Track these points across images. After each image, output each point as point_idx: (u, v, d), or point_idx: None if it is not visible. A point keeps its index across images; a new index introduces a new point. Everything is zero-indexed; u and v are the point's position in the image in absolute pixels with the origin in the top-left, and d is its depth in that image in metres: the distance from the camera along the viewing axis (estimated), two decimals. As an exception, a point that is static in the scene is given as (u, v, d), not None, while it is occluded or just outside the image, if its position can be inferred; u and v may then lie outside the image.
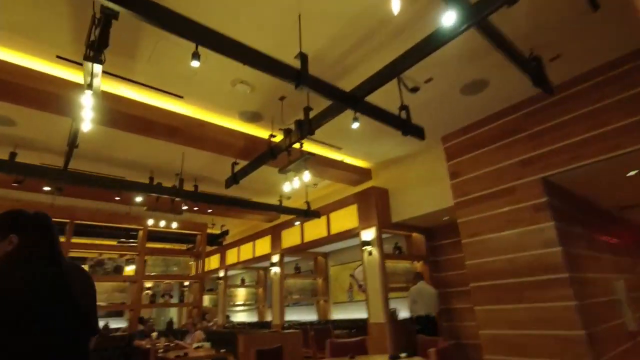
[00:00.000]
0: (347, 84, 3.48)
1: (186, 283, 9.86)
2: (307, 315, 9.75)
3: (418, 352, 3.81)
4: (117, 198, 6.43)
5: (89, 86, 2.36)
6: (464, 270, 6.00)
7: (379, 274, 6.30)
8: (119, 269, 8.67)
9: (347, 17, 3.20)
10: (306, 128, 3.83)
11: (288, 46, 3.24)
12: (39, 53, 3.45)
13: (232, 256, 10.98)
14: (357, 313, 8.34)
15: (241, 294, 12.30)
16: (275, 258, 8.95)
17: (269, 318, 10.49)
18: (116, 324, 8.78)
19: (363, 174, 6.93)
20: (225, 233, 10.55)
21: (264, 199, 6.95)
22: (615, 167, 4.31)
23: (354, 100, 3.21)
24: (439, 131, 5.54)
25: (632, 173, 4.63)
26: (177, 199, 5.61)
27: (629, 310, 5.31)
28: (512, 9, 2.54)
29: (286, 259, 9.12)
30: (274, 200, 7.09)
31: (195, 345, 5.81)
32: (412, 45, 2.94)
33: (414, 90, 4.30)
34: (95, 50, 2.16)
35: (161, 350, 5.62)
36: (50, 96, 3.64)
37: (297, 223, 7.58)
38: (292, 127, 4.17)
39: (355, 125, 3.42)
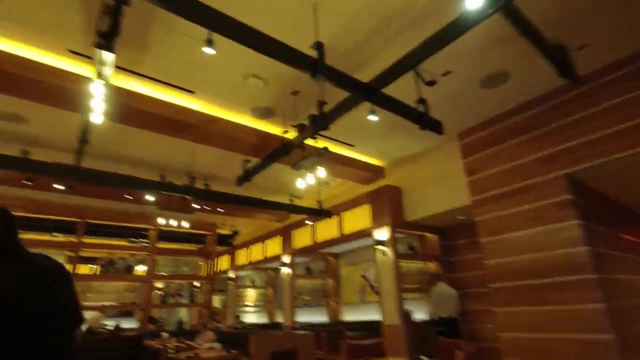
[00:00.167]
0: (363, 76, 3.35)
1: (196, 283, 9.83)
2: (318, 316, 9.62)
3: (439, 355, 3.65)
4: (128, 197, 6.40)
5: (100, 75, 2.28)
6: (481, 270, 5.83)
7: (393, 274, 6.14)
8: (130, 269, 8.67)
9: (364, 4, 3.08)
10: (320, 122, 3.70)
11: (303, 35, 3.12)
12: (51, 47, 3.40)
13: (242, 257, 10.90)
14: (369, 314, 8.18)
15: (251, 294, 12.23)
16: (286, 259, 8.84)
17: (278, 319, 10.39)
18: (127, 323, 8.75)
19: (376, 172, 6.78)
20: (236, 233, 10.49)
21: (274, 198, 6.84)
22: (645, 163, 4.10)
23: (371, 92, 3.08)
24: (455, 127, 5.37)
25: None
26: (187, 197, 5.54)
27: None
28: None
29: (297, 260, 9.01)
30: (284, 200, 6.98)
31: (205, 345, 5.73)
32: (431, 35, 2.81)
33: (431, 83, 4.15)
34: (105, 38, 2.08)
35: (172, 351, 5.55)
36: (62, 91, 3.59)
37: (309, 223, 7.46)
38: (305, 122, 4.06)
39: (372, 117, 3.29)
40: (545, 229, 4.30)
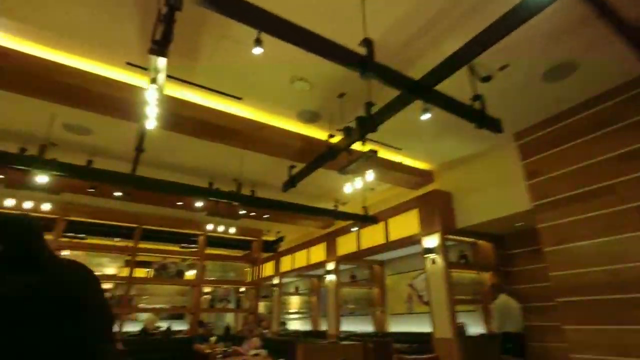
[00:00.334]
0: (413, 74, 3.17)
1: (242, 289, 10.00)
2: (363, 326, 9.35)
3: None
4: (179, 203, 6.65)
5: (154, 81, 2.35)
6: (544, 282, 5.32)
7: (444, 284, 5.79)
8: (180, 273, 9.03)
9: (415, -2, 2.93)
10: (368, 124, 3.57)
11: (350, 33, 3.01)
12: (111, 61, 3.62)
13: (286, 263, 10.95)
14: (418, 326, 7.80)
15: (295, 301, 12.22)
16: (331, 265, 8.72)
17: (323, 327, 10.25)
18: (178, 326, 9.08)
19: (424, 177, 6.49)
20: (280, 240, 10.56)
21: (319, 204, 6.78)
22: None
23: (424, 90, 2.90)
24: (512, 126, 4.98)
25: None
26: (235, 204, 5.63)
27: None
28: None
29: (341, 267, 8.85)
30: (329, 206, 6.89)
31: (252, 352, 5.73)
32: (488, 24, 2.58)
33: (486, 79, 3.88)
34: (159, 45, 2.12)
35: (220, 355, 5.62)
36: (122, 102, 3.80)
37: (355, 229, 7.30)
38: (352, 125, 3.95)
39: (425, 116, 3.10)
40: (627, 236, 3.80)
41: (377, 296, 9.25)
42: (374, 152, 3.70)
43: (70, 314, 1.17)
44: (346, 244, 8.37)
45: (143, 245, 8.36)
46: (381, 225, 7.21)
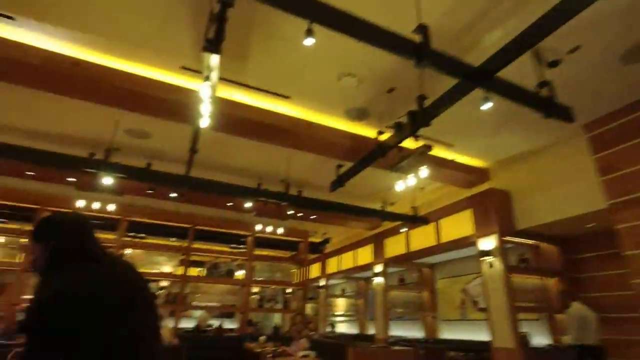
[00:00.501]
0: (471, 61, 2.96)
1: (288, 290, 10.08)
2: (412, 331, 9.03)
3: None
4: (229, 204, 6.85)
5: (207, 78, 2.40)
6: (623, 291, 4.77)
7: (503, 289, 5.40)
8: (231, 273, 9.31)
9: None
10: (421, 119, 3.40)
11: (402, 20, 2.86)
12: (166, 65, 3.79)
13: (332, 265, 10.89)
14: (472, 333, 7.37)
15: (341, 304, 12.12)
16: (378, 268, 8.52)
17: (370, 331, 10.04)
18: (229, 324, 9.36)
19: (478, 175, 6.11)
20: (326, 241, 10.53)
21: (366, 205, 6.64)
22: None
23: (485, 77, 2.69)
24: (582, 116, 4.51)
25: None
26: (283, 204, 5.68)
27: None
28: None
29: (389, 270, 8.62)
30: (376, 207, 6.73)
31: (301, 353, 5.71)
32: (556, 4, 2.33)
33: (554, 64, 3.53)
34: (212, 43, 2.16)
35: (269, 355, 5.66)
36: (177, 104, 3.97)
37: (404, 230, 7.06)
38: (403, 120, 3.80)
39: (487, 105, 2.88)
40: None
41: (427, 301, 8.89)
42: (428, 147, 3.51)
43: (145, 304, 1.24)
44: (394, 246, 8.13)
45: (196, 245, 8.73)
46: (432, 226, 6.91)
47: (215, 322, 8.79)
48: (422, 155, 3.52)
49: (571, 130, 4.70)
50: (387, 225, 8.18)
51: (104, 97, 3.93)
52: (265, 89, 4.09)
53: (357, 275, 10.64)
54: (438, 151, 5.51)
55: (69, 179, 5.44)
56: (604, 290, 5.55)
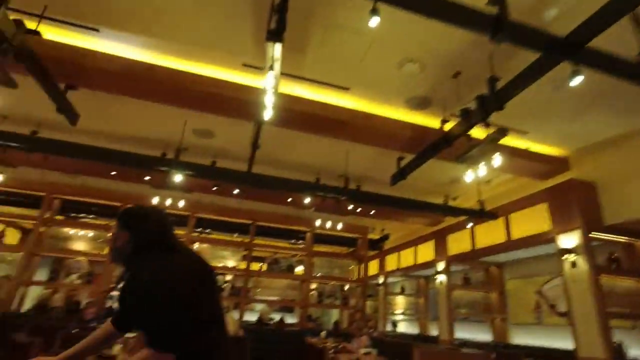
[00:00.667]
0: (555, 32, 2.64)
1: (346, 286, 10.04)
2: (479, 334, 8.47)
3: None
4: (288, 200, 6.98)
5: (271, 68, 2.43)
6: None
7: (590, 292, 4.82)
8: (291, 268, 9.52)
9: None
10: (492, 102, 3.13)
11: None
12: (229, 64, 3.93)
13: (391, 262, 10.63)
14: (550, 340, 6.71)
15: (400, 302, 11.79)
16: (441, 266, 8.12)
17: (432, 332, 9.64)
18: (289, 319, 9.57)
19: (556, 164, 5.53)
20: (385, 237, 10.30)
21: (427, 200, 6.35)
22: None
23: (574, 48, 2.37)
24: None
25: None
26: (342, 198, 5.63)
27: None
28: None
29: (452, 268, 8.18)
30: (438, 201, 6.40)
31: (363, 350, 5.63)
32: None
33: (656, 31, 3.04)
34: (274, 33, 2.17)
35: (331, 351, 5.66)
36: (239, 102, 4.11)
37: (469, 225, 6.64)
38: (471, 106, 3.54)
39: (577, 80, 2.54)
40: None
41: (495, 302, 8.28)
42: (503, 131, 3.22)
43: (218, 292, 1.44)
44: (458, 243, 7.68)
45: (257, 240, 9.04)
46: (500, 221, 6.40)
47: (276, 316, 9.04)
48: (494, 142, 3.24)
49: (674, 109, 4.05)
50: (450, 221, 7.76)
51: (175, 99, 4.19)
52: (325, 81, 4.07)
53: (417, 273, 10.26)
54: (509, 140, 5.05)
55: (146, 178, 5.91)
56: None
